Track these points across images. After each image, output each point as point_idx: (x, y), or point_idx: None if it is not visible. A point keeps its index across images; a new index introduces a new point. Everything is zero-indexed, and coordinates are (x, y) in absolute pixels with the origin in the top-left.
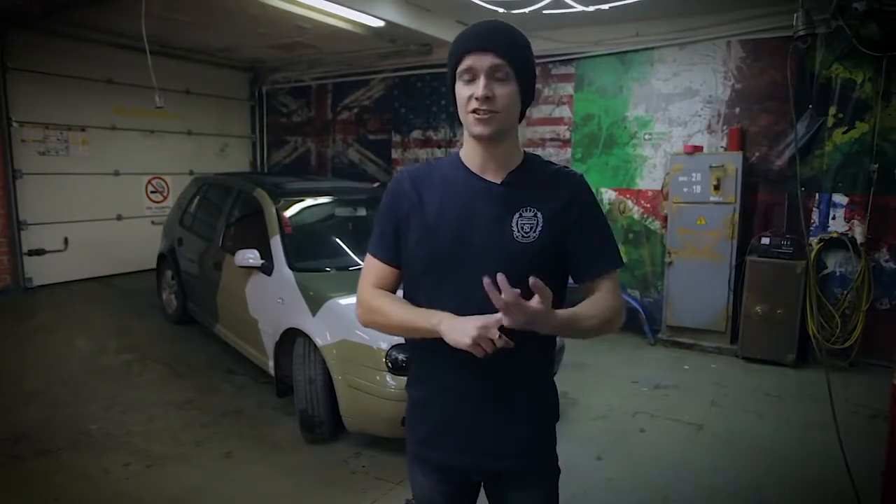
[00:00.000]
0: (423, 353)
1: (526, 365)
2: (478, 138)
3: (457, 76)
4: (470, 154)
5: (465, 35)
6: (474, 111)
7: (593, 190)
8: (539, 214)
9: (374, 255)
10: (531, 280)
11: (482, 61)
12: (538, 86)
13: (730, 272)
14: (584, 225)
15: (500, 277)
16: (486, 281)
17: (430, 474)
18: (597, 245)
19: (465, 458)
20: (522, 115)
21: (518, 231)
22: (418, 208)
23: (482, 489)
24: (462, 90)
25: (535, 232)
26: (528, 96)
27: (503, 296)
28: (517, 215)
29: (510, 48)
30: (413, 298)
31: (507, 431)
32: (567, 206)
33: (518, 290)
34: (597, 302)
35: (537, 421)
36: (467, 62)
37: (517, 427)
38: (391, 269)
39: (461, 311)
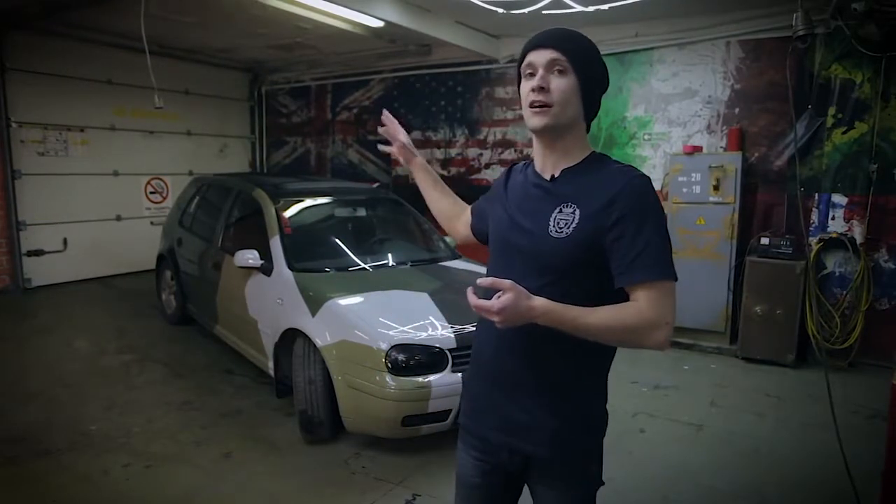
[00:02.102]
0: (476, 333)
1: (555, 359)
2: (534, 132)
3: (521, 74)
4: (535, 152)
5: (531, 37)
6: (531, 104)
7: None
8: (577, 211)
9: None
10: (479, 281)
11: (542, 56)
12: None
13: (729, 272)
14: (624, 228)
15: (469, 290)
16: (470, 293)
17: (469, 450)
18: (631, 252)
19: (495, 433)
20: (591, 119)
21: (553, 226)
22: (503, 199)
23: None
24: (524, 86)
25: (568, 228)
26: (591, 98)
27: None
28: (557, 210)
29: (570, 44)
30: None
31: (534, 417)
32: (608, 206)
33: (470, 299)
34: (620, 308)
35: (568, 419)
36: (529, 58)
37: (545, 417)
38: (469, 212)
39: None
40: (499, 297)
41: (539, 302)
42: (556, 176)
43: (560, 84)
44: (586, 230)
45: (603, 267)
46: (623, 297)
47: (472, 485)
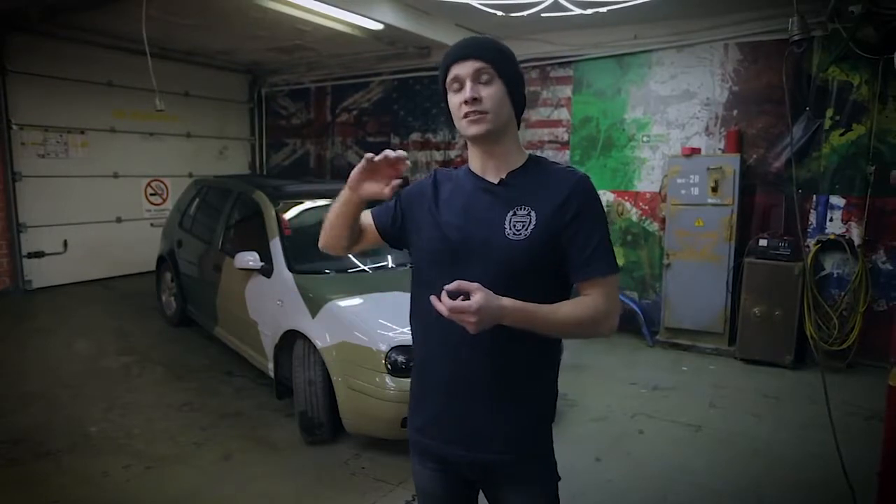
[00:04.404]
0: (420, 348)
1: (518, 361)
2: (473, 139)
3: (447, 88)
4: (472, 159)
5: (449, 50)
6: (465, 115)
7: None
8: (532, 213)
9: (371, 211)
10: (447, 287)
11: (466, 67)
12: (536, 88)
13: (728, 274)
14: (577, 227)
15: (434, 298)
16: (433, 298)
17: (427, 463)
18: (587, 249)
19: (457, 448)
20: (519, 121)
21: (510, 229)
22: (433, 207)
23: (481, 491)
24: (453, 99)
25: (526, 230)
26: (518, 98)
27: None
28: (511, 214)
29: (490, 52)
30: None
31: (497, 425)
32: (561, 207)
33: (445, 303)
34: (578, 303)
35: (530, 419)
36: (453, 72)
37: (508, 421)
38: (371, 223)
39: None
40: (463, 299)
41: (507, 301)
42: (504, 179)
43: (490, 92)
44: (545, 231)
45: (555, 265)
46: (560, 292)
47: (434, 495)
